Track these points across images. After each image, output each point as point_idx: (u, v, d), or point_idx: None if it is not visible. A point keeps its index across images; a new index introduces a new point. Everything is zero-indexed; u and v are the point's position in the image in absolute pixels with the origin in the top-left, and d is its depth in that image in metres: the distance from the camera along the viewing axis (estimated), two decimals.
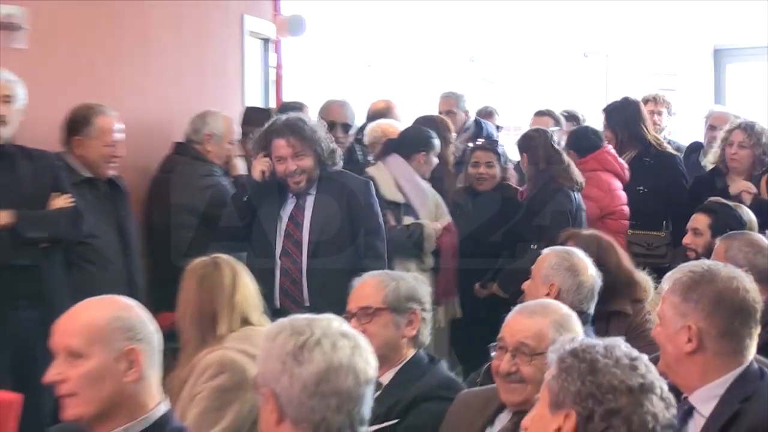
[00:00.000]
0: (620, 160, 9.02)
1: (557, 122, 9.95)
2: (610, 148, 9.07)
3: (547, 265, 5.77)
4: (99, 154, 7.15)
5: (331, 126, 8.59)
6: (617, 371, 3.07)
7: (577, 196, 8.34)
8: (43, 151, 6.85)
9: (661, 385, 3.10)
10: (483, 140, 9.37)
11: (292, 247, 6.36)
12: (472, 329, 7.89)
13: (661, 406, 3.05)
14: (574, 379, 3.06)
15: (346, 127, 8.97)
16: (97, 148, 7.15)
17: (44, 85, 7.25)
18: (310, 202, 6.50)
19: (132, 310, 3.94)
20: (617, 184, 8.82)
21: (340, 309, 5.47)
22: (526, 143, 8.71)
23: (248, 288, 5.38)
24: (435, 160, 8.43)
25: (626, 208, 8.81)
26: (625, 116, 9.51)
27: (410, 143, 8.43)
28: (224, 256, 5.48)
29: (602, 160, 8.89)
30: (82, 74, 7.93)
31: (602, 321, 6.08)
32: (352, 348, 3.46)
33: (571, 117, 11.22)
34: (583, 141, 9.04)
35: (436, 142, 8.48)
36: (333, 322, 3.54)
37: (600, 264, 6.03)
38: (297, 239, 6.37)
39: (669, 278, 4.14)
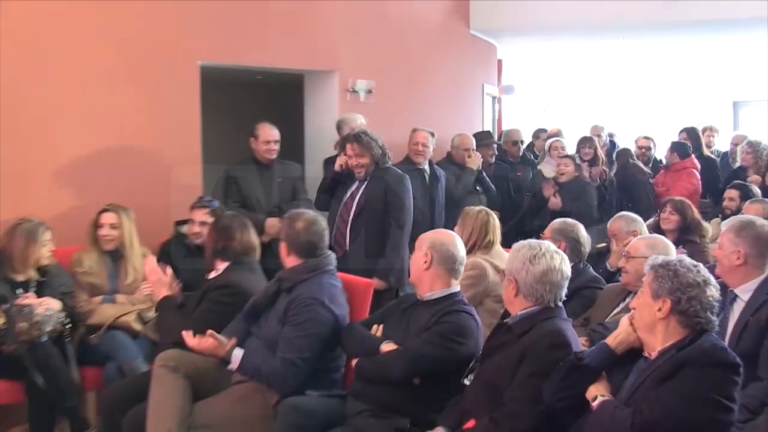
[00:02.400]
0: (697, 161, 8.67)
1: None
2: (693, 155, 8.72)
3: (622, 227, 5.43)
4: (411, 151, 6.97)
5: (515, 143, 8.77)
6: (690, 273, 2.97)
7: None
8: None
9: (712, 279, 3.01)
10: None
11: (344, 212, 5.70)
12: None
13: (714, 291, 2.97)
14: (666, 281, 2.96)
15: (516, 143, 8.78)
16: (410, 147, 6.98)
17: (378, 120, 7.23)
18: (364, 185, 5.77)
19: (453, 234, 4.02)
20: (698, 176, 8.48)
21: (368, 252, 5.54)
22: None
23: (496, 225, 5.20)
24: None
25: (701, 190, 8.48)
26: (692, 135, 9.18)
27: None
28: (486, 209, 5.36)
29: (693, 162, 8.55)
30: (397, 116, 7.90)
31: (680, 244, 5.78)
32: (561, 259, 3.44)
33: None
34: (683, 149, 8.62)
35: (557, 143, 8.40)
36: (551, 245, 3.51)
37: (682, 213, 5.89)
38: (348, 207, 5.70)
39: (726, 223, 4.04)
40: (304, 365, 3.80)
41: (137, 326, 5.06)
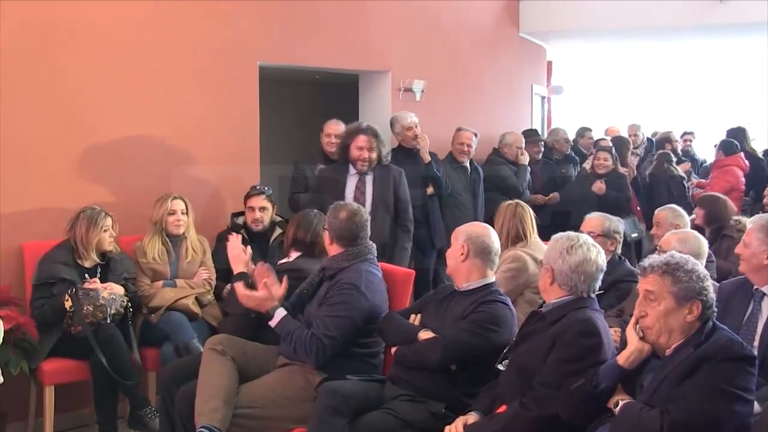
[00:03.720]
0: (744, 160, 8.52)
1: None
2: (742, 153, 8.57)
3: (668, 217, 5.30)
4: (456, 150, 7.00)
5: (566, 140, 8.70)
6: (697, 267, 2.87)
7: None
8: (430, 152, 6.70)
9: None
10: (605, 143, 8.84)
11: None
12: None
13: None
14: (691, 283, 2.80)
15: (567, 140, 8.70)
16: (455, 146, 7.02)
17: (429, 119, 7.19)
18: (369, 179, 5.54)
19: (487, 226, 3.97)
20: (740, 173, 8.32)
21: (382, 246, 5.18)
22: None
23: (529, 217, 5.10)
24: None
25: (743, 187, 8.30)
26: (735, 134, 8.98)
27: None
28: (519, 201, 5.28)
29: (736, 160, 8.41)
30: (447, 115, 7.81)
31: (717, 239, 5.70)
32: (597, 252, 3.35)
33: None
34: (728, 147, 8.53)
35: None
36: (588, 238, 3.42)
37: (705, 207, 5.87)
38: (361, 202, 5.44)
39: (753, 221, 3.85)
40: (329, 344, 3.76)
41: (196, 309, 5.11)
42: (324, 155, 6.33)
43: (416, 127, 6.61)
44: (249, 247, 4.47)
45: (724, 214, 5.72)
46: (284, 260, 4.54)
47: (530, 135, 8.25)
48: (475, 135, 7.04)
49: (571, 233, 3.44)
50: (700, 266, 2.89)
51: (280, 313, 3.89)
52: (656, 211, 5.52)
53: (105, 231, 4.88)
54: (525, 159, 7.58)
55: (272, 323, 3.89)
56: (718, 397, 2.66)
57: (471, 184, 6.95)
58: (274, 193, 5.80)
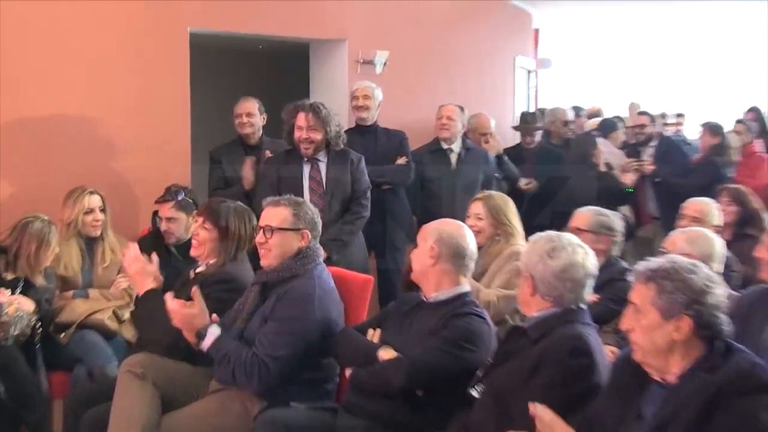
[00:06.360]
0: None
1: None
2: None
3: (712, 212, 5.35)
4: (436, 127, 6.84)
5: (564, 123, 8.70)
6: (695, 276, 2.71)
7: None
8: (396, 130, 6.64)
9: (715, 275, 2.78)
10: None
11: (317, 199, 5.44)
12: None
13: (723, 288, 2.75)
14: (678, 293, 2.68)
15: (566, 123, 8.72)
16: (436, 122, 6.87)
17: (391, 92, 7.09)
18: (323, 166, 5.58)
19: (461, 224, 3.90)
20: None
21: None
22: None
23: None
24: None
25: None
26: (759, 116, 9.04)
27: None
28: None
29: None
30: (412, 92, 7.89)
31: (739, 240, 5.54)
32: (584, 254, 3.31)
33: None
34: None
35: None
36: (573, 238, 3.38)
37: (742, 204, 5.81)
38: (321, 193, 5.52)
39: None
40: (273, 366, 3.68)
41: (112, 325, 5.00)
42: (243, 143, 6.26)
43: (365, 97, 6.55)
44: (154, 255, 4.34)
45: (756, 211, 5.67)
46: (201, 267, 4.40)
47: (525, 121, 8.08)
48: (461, 109, 6.89)
49: (552, 233, 3.40)
50: (703, 274, 2.76)
51: (214, 332, 3.79)
52: (693, 202, 5.43)
53: (55, 249, 4.84)
54: (491, 147, 7.35)
55: (205, 346, 3.78)
56: None
57: (454, 172, 6.78)
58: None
